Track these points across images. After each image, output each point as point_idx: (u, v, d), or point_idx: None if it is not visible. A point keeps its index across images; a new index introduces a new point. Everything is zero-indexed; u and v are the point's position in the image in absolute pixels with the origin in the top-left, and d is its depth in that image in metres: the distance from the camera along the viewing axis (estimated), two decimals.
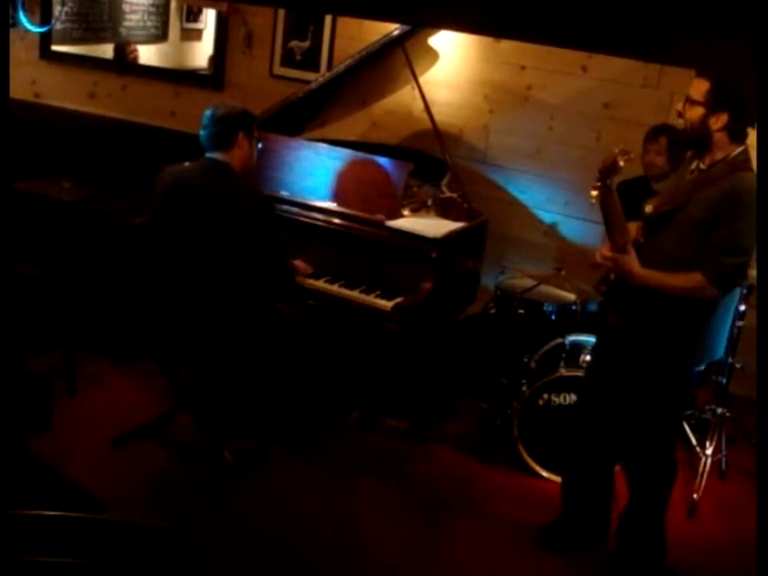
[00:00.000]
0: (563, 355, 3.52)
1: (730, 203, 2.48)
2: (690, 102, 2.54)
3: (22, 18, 4.85)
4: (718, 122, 2.51)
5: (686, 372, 2.73)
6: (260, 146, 3.24)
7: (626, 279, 2.64)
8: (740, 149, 2.55)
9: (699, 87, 2.52)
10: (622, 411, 2.80)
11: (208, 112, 3.08)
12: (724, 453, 3.63)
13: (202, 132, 3.08)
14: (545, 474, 3.46)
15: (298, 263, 3.41)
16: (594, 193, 2.53)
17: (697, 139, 2.57)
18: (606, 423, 2.85)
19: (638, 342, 2.69)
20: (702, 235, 2.53)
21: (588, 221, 4.18)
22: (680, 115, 2.59)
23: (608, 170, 2.49)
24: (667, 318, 2.62)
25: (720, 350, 2.77)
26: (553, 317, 3.73)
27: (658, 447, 2.82)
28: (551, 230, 4.36)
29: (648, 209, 2.62)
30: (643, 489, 2.87)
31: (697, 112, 2.52)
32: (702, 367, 3.40)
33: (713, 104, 2.50)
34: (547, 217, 4.36)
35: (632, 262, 2.58)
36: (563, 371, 3.42)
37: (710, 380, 3.79)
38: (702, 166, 2.61)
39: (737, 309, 3.54)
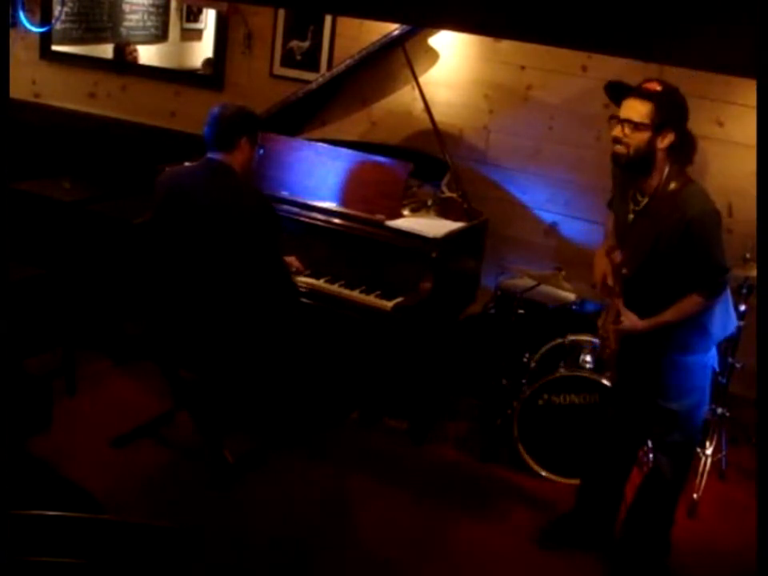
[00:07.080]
0: (563, 355, 3.52)
1: (688, 227, 2.50)
2: (633, 125, 2.50)
3: (22, 17, 4.85)
4: (665, 140, 2.51)
5: (702, 361, 2.76)
6: (261, 151, 3.24)
7: (633, 335, 2.69)
8: (668, 168, 2.55)
9: (640, 109, 2.49)
10: (646, 415, 2.84)
11: (215, 111, 3.07)
12: (724, 453, 3.64)
13: (205, 129, 3.07)
14: (545, 473, 3.46)
15: (290, 260, 3.40)
16: (621, 308, 2.67)
17: (641, 163, 2.55)
18: (632, 431, 2.91)
19: (654, 351, 2.75)
20: (675, 260, 2.57)
21: (588, 221, 4.17)
22: (618, 141, 2.54)
23: (620, 269, 2.58)
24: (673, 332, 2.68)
25: (731, 326, 2.80)
26: (553, 317, 3.73)
27: (683, 444, 2.84)
28: (551, 230, 4.35)
29: (625, 271, 2.67)
30: (657, 484, 2.89)
31: (643, 135, 2.50)
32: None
33: (658, 124, 2.48)
34: (547, 217, 4.35)
35: (631, 319, 2.65)
36: (563, 371, 3.42)
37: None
38: (639, 198, 2.63)
39: (737, 308, 3.54)
